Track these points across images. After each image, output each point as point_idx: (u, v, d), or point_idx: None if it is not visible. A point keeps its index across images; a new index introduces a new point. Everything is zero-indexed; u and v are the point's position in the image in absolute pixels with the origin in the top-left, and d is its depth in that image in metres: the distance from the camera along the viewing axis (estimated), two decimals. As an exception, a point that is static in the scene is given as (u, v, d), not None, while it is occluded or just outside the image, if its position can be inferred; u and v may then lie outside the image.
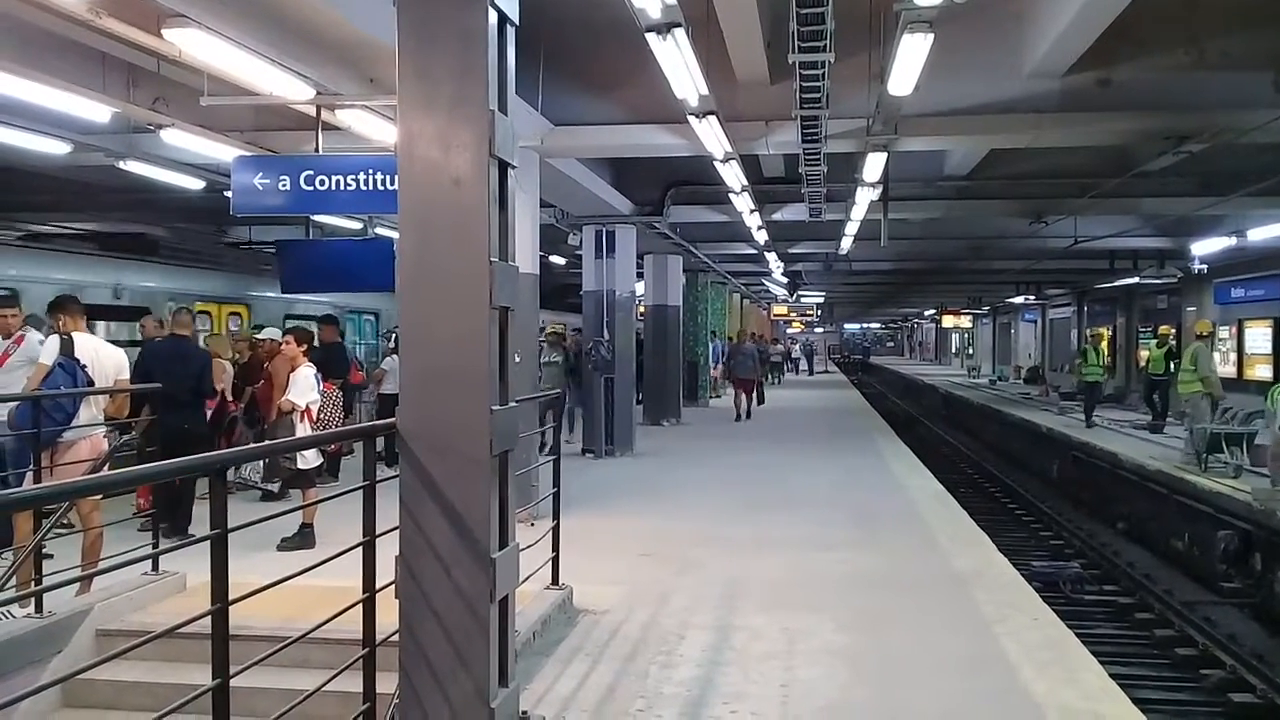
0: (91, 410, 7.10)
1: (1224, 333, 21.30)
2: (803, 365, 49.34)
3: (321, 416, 8.62)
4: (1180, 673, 9.78)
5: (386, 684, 4.02)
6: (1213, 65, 8.98)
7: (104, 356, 7.24)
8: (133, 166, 10.55)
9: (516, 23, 4.09)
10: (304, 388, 8.60)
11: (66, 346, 7.05)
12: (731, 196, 13.17)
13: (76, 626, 5.61)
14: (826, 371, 53.19)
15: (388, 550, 3.95)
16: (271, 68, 6.78)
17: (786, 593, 7.36)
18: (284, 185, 7.29)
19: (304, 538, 8.36)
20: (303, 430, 8.49)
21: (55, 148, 9.60)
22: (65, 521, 6.56)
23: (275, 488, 10.19)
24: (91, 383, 7.06)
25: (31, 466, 6.62)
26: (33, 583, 5.90)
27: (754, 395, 23.21)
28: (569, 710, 5.08)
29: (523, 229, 9.37)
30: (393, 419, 4.00)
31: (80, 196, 14.81)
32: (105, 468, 6.72)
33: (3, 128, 8.93)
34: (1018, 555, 11.69)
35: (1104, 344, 20.86)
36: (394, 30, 3.88)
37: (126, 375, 7.54)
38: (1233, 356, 21.69)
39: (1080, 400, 27.71)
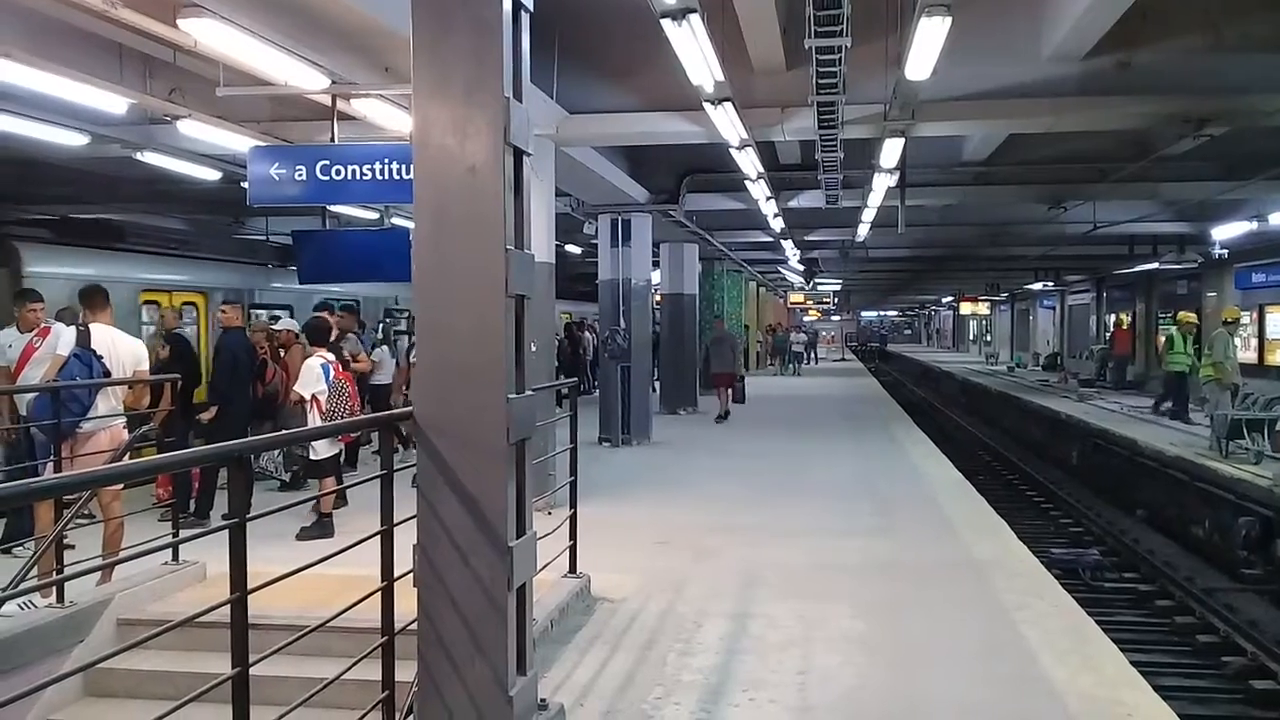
0: (110, 401, 7.14)
1: (1245, 318, 21.12)
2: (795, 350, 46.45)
3: (330, 406, 8.62)
4: (1201, 660, 9.72)
5: (405, 672, 4.03)
6: (1234, 48, 8.89)
7: (121, 348, 7.29)
8: (150, 158, 10.58)
9: (531, 9, 4.07)
10: (309, 378, 8.62)
11: (82, 338, 7.09)
12: (747, 184, 13.12)
13: (98, 616, 5.65)
14: (844, 360, 52.99)
15: (406, 539, 3.95)
16: (287, 58, 6.79)
17: (804, 580, 7.35)
18: (300, 175, 7.31)
19: (323, 527, 8.39)
20: (313, 420, 8.51)
21: (73, 139, 9.64)
22: (86, 512, 6.60)
23: (289, 477, 10.28)
24: (108, 373, 7.10)
25: (52, 457, 6.66)
26: (54, 573, 5.95)
27: (731, 392, 19.77)
28: (587, 698, 5.08)
29: (538, 217, 9.36)
30: (409, 408, 4.00)
31: (98, 188, 14.87)
32: (126, 458, 6.75)
33: (21, 120, 8.97)
34: (1037, 542, 11.63)
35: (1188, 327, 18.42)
36: (409, 18, 3.86)
37: (145, 366, 7.59)
38: (1254, 342, 21.53)
39: (1099, 385, 27.78)
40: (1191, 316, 18.99)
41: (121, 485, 6.98)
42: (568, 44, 9.39)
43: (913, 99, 8.91)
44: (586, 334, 25.53)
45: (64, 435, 6.75)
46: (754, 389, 27.45)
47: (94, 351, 7.09)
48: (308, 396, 8.55)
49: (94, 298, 7.52)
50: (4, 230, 12.68)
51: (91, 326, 7.23)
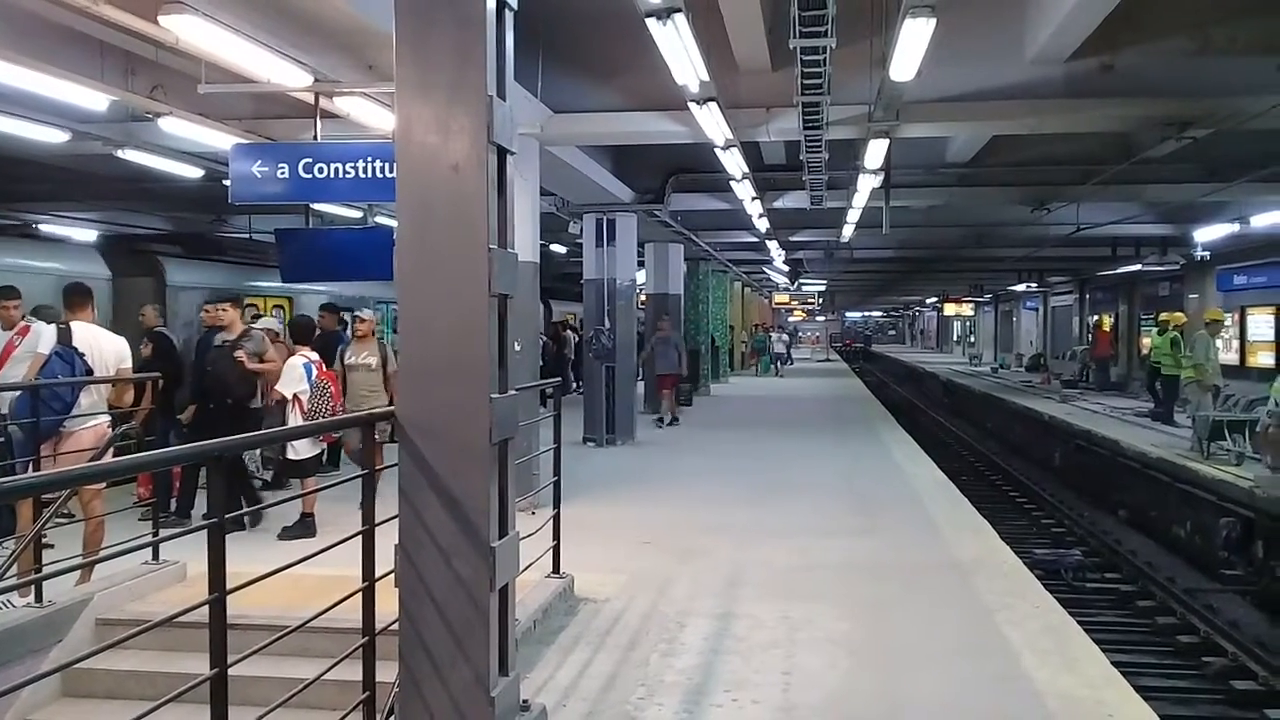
0: (93, 398, 7.09)
1: (1226, 319, 21.23)
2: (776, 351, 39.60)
3: (312, 406, 8.57)
4: (1182, 660, 9.77)
5: (386, 673, 4.01)
6: (1217, 51, 8.93)
7: (104, 345, 7.23)
8: (131, 155, 10.51)
9: (515, 7, 4.06)
10: (291, 377, 8.57)
11: (64, 335, 7.03)
12: (732, 184, 13.13)
13: (76, 616, 5.60)
14: (828, 360, 53.10)
15: (387, 539, 3.94)
16: (269, 55, 6.75)
17: (788, 581, 7.35)
18: (282, 173, 7.26)
19: (304, 527, 8.35)
20: (294, 420, 8.46)
21: (53, 136, 9.58)
22: (65, 511, 6.55)
23: (270, 477, 10.22)
24: (91, 371, 7.04)
25: (32, 456, 6.61)
26: (33, 571, 5.89)
27: (675, 394, 18.43)
28: (570, 699, 5.07)
29: (522, 216, 9.33)
30: (392, 407, 3.98)
31: (79, 186, 14.78)
32: (109, 456, 6.70)
33: (1, 116, 8.90)
34: (1019, 543, 11.68)
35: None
36: (392, 15, 3.84)
37: (128, 364, 7.53)
38: (1235, 344, 21.65)
39: (1082, 386, 27.91)
40: (1181, 317, 19.04)
41: (103, 484, 6.92)
42: (552, 42, 9.38)
43: (897, 100, 8.93)
44: (569, 333, 25.57)
45: (46, 434, 6.70)
46: (737, 390, 27.56)
47: (75, 349, 7.03)
48: (289, 396, 8.51)
49: (74, 296, 7.46)
50: (149, 247, 15.18)
51: (72, 324, 7.18)
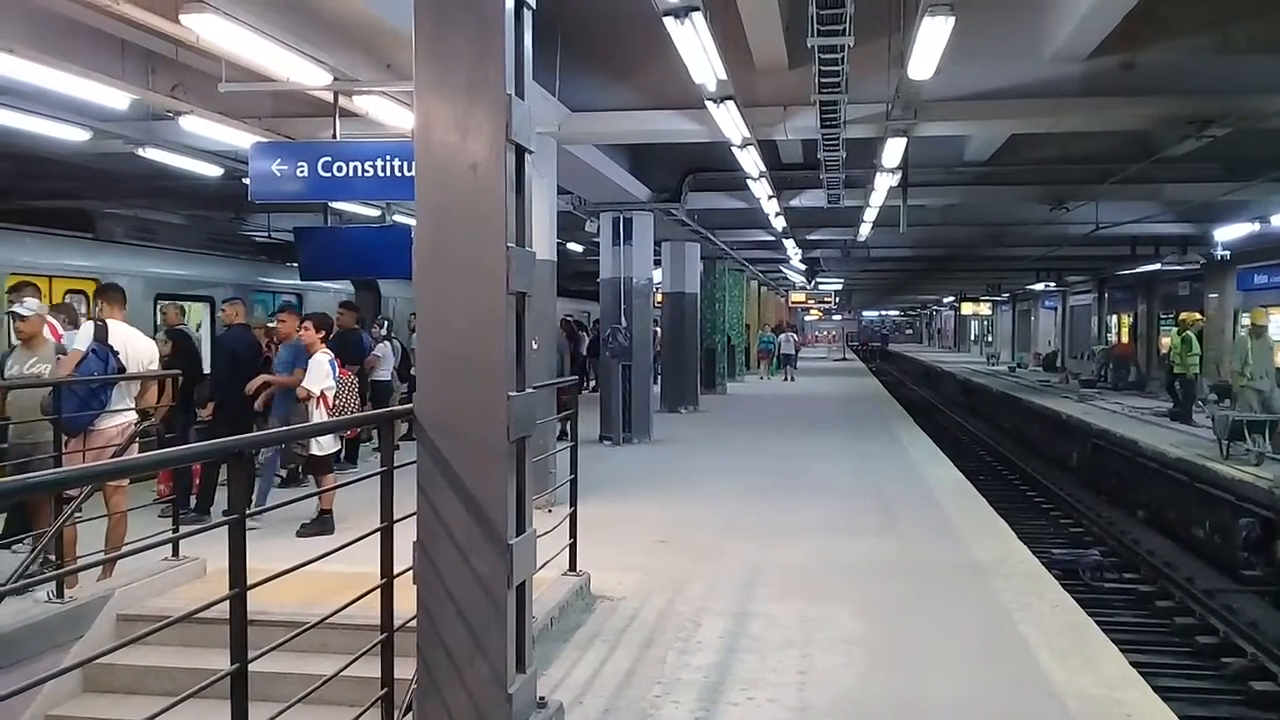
0: (124, 395, 7.16)
1: (1244, 319, 21.07)
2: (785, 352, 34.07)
3: (337, 403, 8.64)
4: (1201, 661, 9.73)
5: (404, 669, 4.02)
6: (1238, 49, 8.87)
7: (136, 346, 7.32)
8: (152, 153, 10.59)
9: (533, 6, 4.06)
10: (318, 374, 8.62)
11: (100, 333, 7.10)
12: (749, 183, 13.11)
13: (97, 611, 5.65)
14: (845, 359, 52.96)
15: (406, 536, 3.95)
16: (289, 54, 6.78)
17: (804, 580, 7.34)
18: (302, 172, 7.30)
19: (323, 523, 8.39)
20: (318, 416, 8.52)
21: (75, 134, 9.65)
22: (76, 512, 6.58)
23: (285, 473, 10.27)
24: (123, 369, 7.12)
25: (58, 452, 6.65)
26: (54, 568, 5.94)
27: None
28: (586, 696, 5.08)
29: (540, 215, 9.35)
30: (410, 404, 3.99)
31: (100, 183, 14.88)
32: (135, 450, 6.73)
33: (24, 114, 8.97)
34: (1037, 543, 11.63)
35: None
36: (411, 15, 3.86)
37: (156, 365, 7.60)
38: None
39: (1100, 386, 27.76)
40: (1196, 317, 18.87)
41: (126, 480, 6.97)
42: (570, 41, 9.38)
43: (915, 98, 8.90)
44: (583, 332, 25.61)
45: (77, 429, 6.76)
46: (754, 389, 27.55)
47: (110, 347, 7.11)
48: (316, 392, 8.57)
49: (111, 295, 7.55)
50: None
51: (109, 322, 7.25)
